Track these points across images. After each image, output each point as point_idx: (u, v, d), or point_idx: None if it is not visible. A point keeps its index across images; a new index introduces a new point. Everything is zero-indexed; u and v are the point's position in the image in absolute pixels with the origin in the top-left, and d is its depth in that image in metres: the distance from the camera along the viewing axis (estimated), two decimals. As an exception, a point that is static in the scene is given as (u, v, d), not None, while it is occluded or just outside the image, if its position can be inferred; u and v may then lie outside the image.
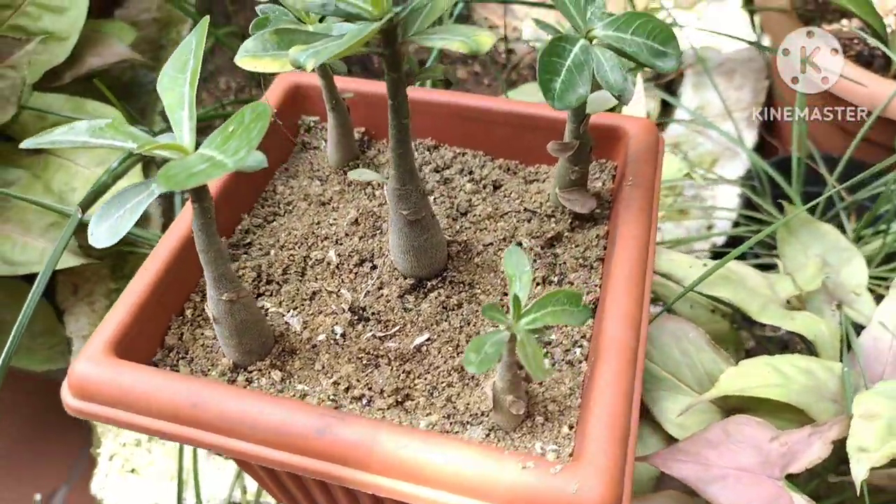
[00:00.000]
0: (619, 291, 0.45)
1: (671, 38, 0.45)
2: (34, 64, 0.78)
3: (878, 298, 0.62)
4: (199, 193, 0.39)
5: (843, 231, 0.77)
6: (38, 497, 0.80)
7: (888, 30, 0.88)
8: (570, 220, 0.54)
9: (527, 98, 0.94)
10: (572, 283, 0.51)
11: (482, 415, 0.43)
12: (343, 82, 0.60)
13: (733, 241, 0.86)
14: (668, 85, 1.06)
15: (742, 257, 0.71)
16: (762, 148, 1.00)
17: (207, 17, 0.40)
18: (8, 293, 0.79)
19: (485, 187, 0.58)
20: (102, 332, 0.43)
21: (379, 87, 0.60)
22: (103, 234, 0.36)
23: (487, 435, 0.42)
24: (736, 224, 0.87)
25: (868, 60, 0.92)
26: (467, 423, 0.43)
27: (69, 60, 0.82)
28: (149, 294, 0.46)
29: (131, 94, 1.04)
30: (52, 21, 0.81)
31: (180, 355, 0.48)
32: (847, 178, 0.71)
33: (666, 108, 1.03)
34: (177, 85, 0.39)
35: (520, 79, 1.14)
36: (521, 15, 1.27)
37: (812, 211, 0.79)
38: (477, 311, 0.49)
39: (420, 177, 0.47)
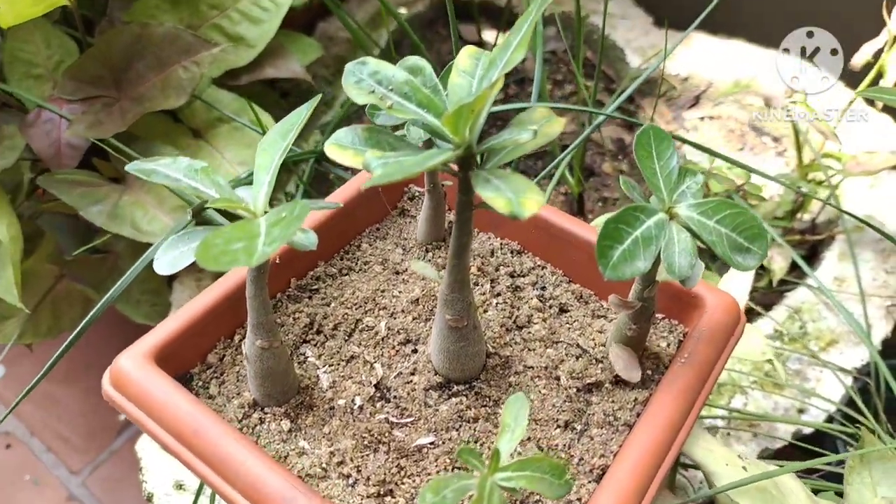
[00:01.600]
0: (622, 477, 0.43)
1: (760, 236, 0.43)
2: (219, 61, 0.87)
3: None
4: (258, 251, 0.42)
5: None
6: (121, 417, 0.88)
7: None
8: (615, 372, 0.53)
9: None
10: (592, 438, 0.49)
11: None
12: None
13: (819, 437, 0.79)
14: (814, 245, 0.99)
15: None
16: (893, 346, 0.90)
17: (319, 96, 0.44)
18: (135, 252, 0.89)
19: (551, 308, 0.58)
20: (152, 336, 0.48)
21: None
22: (165, 265, 0.41)
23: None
24: (830, 419, 0.80)
25: None
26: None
27: (250, 65, 0.91)
28: (204, 314, 0.50)
29: (303, 101, 1.13)
30: (247, 29, 0.90)
31: (215, 375, 0.52)
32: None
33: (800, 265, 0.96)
34: (273, 149, 0.43)
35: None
36: (690, 126, 1.24)
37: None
38: (490, 430, 0.49)
39: (471, 289, 0.48)
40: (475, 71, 0.42)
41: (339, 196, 0.60)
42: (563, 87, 1.30)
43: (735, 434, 0.80)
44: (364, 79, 0.40)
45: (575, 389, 0.52)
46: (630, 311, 0.49)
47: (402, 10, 1.36)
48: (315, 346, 0.54)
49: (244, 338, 0.54)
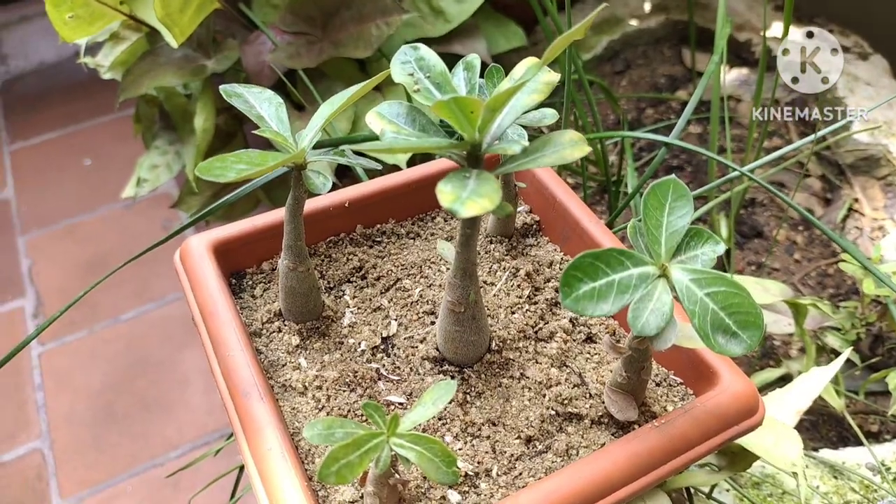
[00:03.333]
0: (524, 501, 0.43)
1: (754, 325, 0.40)
2: (415, 27, 0.96)
3: None
4: (297, 182, 0.49)
5: None
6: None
7: None
8: (601, 413, 0.52)
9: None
10: (543, 462, 0.50)
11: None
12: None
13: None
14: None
15: None
16: None
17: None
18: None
19: (579, 333, 0.58)
20: (220, 231, 0.57)
21: (557, 187, 0.63)
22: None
23: (353, 502, 0.47)
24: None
25: None
26: (353, 485, 0.48)
27: (442, 37, 0.98)
28: (265, 228, 0.58)
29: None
30: (449, 4, 0.97)
31: (263, 280, 0.60)
32: None
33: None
34: (334, 103, 0.49)
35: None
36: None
37: None
38: (458, 415, 0.52)
39: (476, 281, 0.50)
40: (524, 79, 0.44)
41: (430, 167, 0.65)
42: (771, 138, 1.20)
43: (779, 548, 0.73)
44: (410, 61, 0.44)
45: (554, 412, 0.52)
46: (618, 355, 0.48)
47: (633, 23, 1.35)
48: (354, 287, 0.60)
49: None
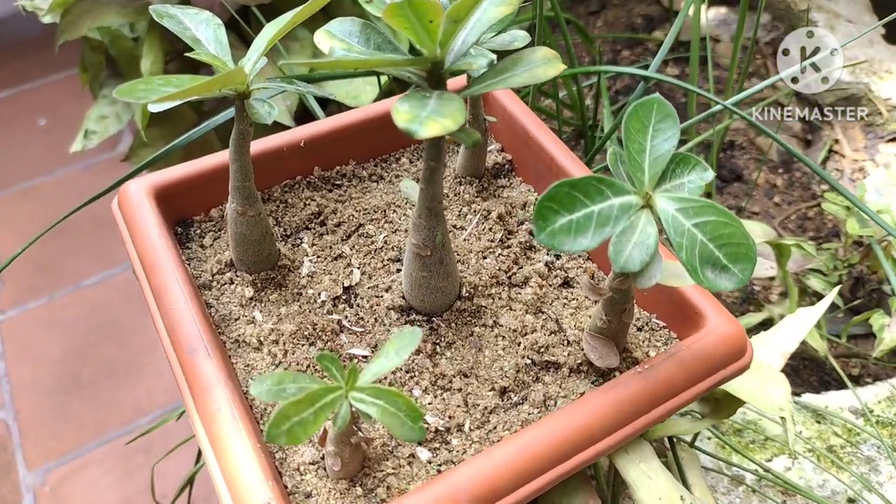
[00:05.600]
0: (499, 461, 0.40)
1: (746, 258, 0.37)
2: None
3: None
4: (240, 113, 0.44)
5: None
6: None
7: None
8: (580, 360, 0.49)
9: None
10: (519, 414, 0.46)
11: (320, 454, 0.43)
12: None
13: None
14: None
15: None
16: None
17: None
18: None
19: (555, 277, 0.54)
20: (160, 174, 0.52)
21: (530, 121, 0.58)
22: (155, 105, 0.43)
23: (313, 463, 0.43)
24: (882, 522, 0.67)
25: None
26: (312, 442, 0.44)
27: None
28: (211, 170, 0.53)
29: None
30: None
31: (213, 228, 0.55)
32: None
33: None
34: (278, 24, 0.43)
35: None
36: (882, 160, 1.06)
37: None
38: (427, 367, 0.48)
39: (442, 221, 0.46)
40: (489, -9, 0.39)
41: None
42: (750, 79, 1.16)
43: (762, 494, 0.71)
44: (362, -32, 0.39)
45: (530, 361, 0.49)
46: (598, 297, 0.44)
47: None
48: (313, 234, 0.56)
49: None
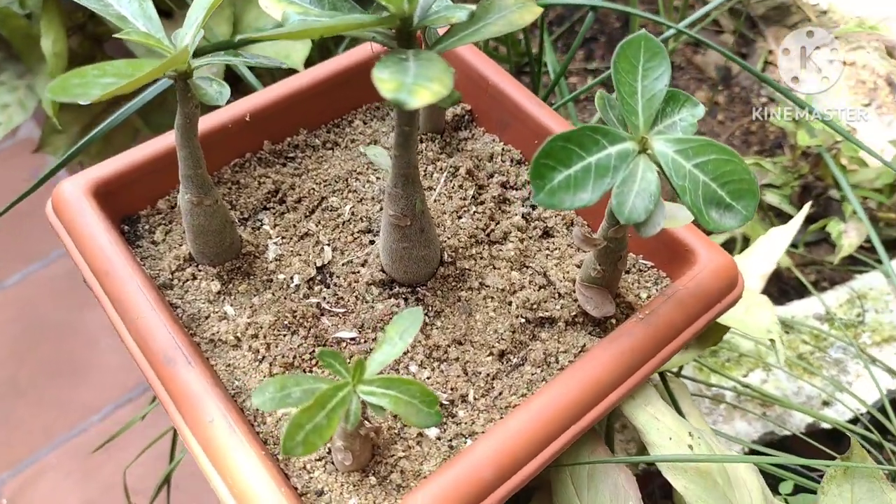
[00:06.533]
0: (516, 426, 0.39)
1: (749, 193, 0.35)
2: None
3: None
4: (184, 95, 0.39)
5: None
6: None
7: None
8: (575, 313, 0.47)
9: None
10: (522, 375, 0.45)
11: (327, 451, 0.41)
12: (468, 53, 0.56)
13: (836, 436, 0.70)
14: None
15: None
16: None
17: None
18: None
19: (534, 229, 0.52)
20: (96, 169, 0.47)
21: (488, 68, 0.55)
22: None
23: (320, 459, 0.41)
24: (855, 420, 0.71)
25: None
26: (315, 436, 0.41)
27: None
28: (154, 158, 0.48)
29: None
30: None
31: (163, 222, 0.50)
32: None
33: (890, 248, 0.84)
34: (218, -11, 0.38)
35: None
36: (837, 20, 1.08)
37: None
38: (419, 340, 0.46)
39: (420, 187, 0.43)
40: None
41: (342, 60, 0.56)
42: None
43: (742, 409, 0.73)
44: (306, -83, 0.34)
45: (524, 320, 0.47)
46: (592, 248, 0.43)
47: None
48: (273, 214, 0.52)
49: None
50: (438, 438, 0.42)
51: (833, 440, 0.72)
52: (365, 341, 0.46)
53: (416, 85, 0.28)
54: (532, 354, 0.46)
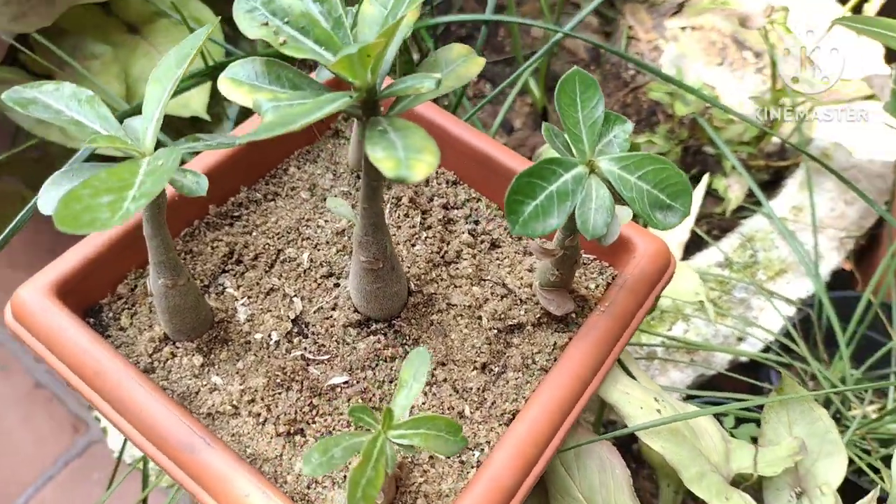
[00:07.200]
0: (529, 423, 0.43)
1: (683, 192, 0.41)
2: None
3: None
4: (152, 191, 0.40)
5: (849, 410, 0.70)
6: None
7: None
8: (539, 315, 0.52)
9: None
10: (507, 382, 0.49)
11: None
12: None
13: (755, 366, 0.80)
14: (778, 171, 0.97)
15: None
16: (841, 277, 0.91)
17: (219, 18, 0.40)
18: (68, 154, 0.85)
19: (482, 243, 0.56)
20: (52, 269, 0.46)
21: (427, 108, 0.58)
22: (49, 203, 0.38)
23: None
24: (767, 349, 0.81)
25: None
26: (337, 484, 0.44)
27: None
28: (109, 245, 0.48)
29: None
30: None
31: (126, 306, 0.50)
32: None
33: (765, 190, 0.95)
34: (166, 79, 0.39)
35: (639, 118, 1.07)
36: (670, 35, 1.18)
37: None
38: (406, 371, 0.49)
39: (387, 231, 0.46)
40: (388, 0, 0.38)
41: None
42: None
43: (673, 361, 0.82)
44: (257, 7, 0.36)
45: (496, 331, 0.51)
46: (551, 258, 0.47)
47: None
48: (234, 276, 0.53)
49: (159, 267, 0.52)
50: (448, 456, 0.46)
51: (752, 370, 0.82)
52: (357, 382, 0.48)
53: (410, 160, 0.31)
54: (511, 360, 0.50)
